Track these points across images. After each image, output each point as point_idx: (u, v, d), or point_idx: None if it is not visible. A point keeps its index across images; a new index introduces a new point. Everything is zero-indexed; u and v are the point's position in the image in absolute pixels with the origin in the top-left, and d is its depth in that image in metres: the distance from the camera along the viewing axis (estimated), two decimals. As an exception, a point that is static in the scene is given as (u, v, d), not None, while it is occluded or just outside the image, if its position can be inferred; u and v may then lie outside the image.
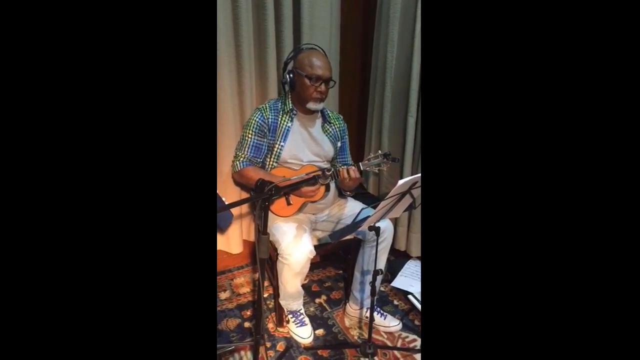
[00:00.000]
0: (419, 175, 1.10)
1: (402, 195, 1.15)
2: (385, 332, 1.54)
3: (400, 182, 1.04)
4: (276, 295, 1.52)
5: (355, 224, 1.32)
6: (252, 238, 1.87)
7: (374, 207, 1.15)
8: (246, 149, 1.44)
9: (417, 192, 1.21)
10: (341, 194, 1.63)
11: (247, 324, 1.58)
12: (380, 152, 1.28)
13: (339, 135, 1.57)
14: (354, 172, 1.29)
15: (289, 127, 1.44)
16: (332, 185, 1.49)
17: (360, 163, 1.30)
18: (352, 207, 1.54)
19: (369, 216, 1.18)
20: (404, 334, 1.53)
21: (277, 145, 1.43)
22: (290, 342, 1.48)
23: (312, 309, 1.68)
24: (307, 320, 1.53)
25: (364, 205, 1.50)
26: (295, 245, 1.33)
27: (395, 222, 1.84)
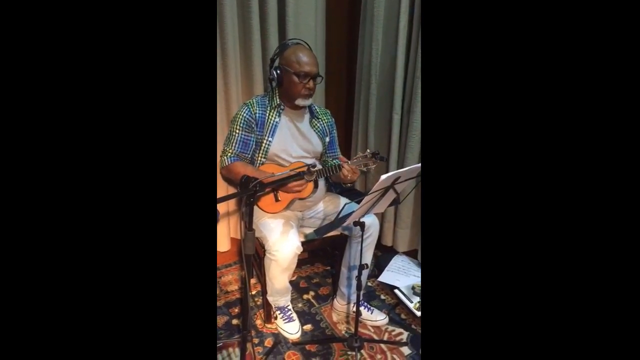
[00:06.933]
0: (402, 170, 1.12)
1: (386, 190, 1.17)
2: (372, 326, 1.56)
3: (383, 177, 1.06)
4: (264, 291, 1.53)
5: (340, 219, 1.34)
6: (239, 236, 1.87)
7: (358, 203, 1.16)
8: (234, 144, 1.44)
9: (400, 187, 1.23)
10: (330, 189, 1.64)
11: (235, 321, 1.58)
12: (368, 151, 1.28)
13: (327, 130, 1.58)
14: (352, 168, 1.29)
15: (276, 122, 1.44)
16: (321, 183, 1.50)
17: (348, 162, 1.31)
18: (344, 204, 1.56)
19: (353, 211, 1.20)
20: (390, 328, 1.56)
21: (265, 141, 1.43)
22: (279, 338, 1.49)
23: (300, 304, 1.69)
24: (294, 316, 1.55)
25: (350, 201, 1.52)
26: (283, 242, 1.34)
27: (382, 217, 1.86)
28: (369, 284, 1.82)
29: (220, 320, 1.58)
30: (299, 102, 1.42)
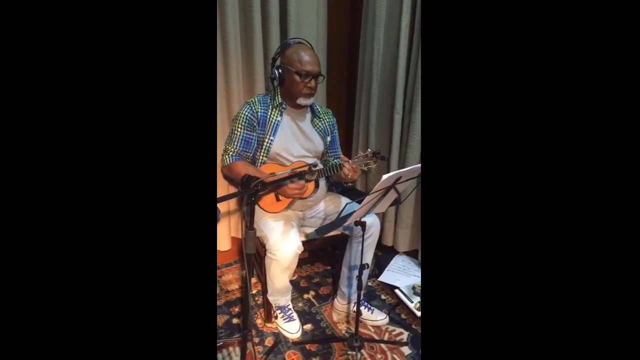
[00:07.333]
0: (403, 170, 1.12)
1: (387, 190, 1.17)
2: (373, 326, 1.56)
3: (385, 177, 1.06)
4: (264, 291, 1.53)
5: (341, 219, 1.34)
6: (240, 235, 1.87)
7: (359, 202, 1.16)
8: (236, 143, 1.44)
9: (402, 187, 1.23)
10: (331, 189, 1.64)
11: (235, 320, 1.58)
12: (369, 150, 1.28)
13: (329, 129, 1.58)
14: (353, 167, 1.29)
15: (278, 121, 1.44)
16: (322, 182, 1.50)
17: (349, 161, 1.31)
18: (345, 203, 1.56)
19: (354, 211, 1.20)
20: (390, 328, 1.56)
21: (266, 140, 1.43)
22: (279, 337, 1.49)
23: (300, 304, 1.69)
24: (295, 315, 1.55)
25: (351, 201, 1.51)
26: (284, 241, 1.34)
27: (383, 217, 1.86)
28: (370, 283, 1.82)
29: (221, 319, 1.59)
30: (301, 101, 1.42)
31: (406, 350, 1.44)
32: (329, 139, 1.58)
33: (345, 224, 1.37)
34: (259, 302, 1.68)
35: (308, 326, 1.56)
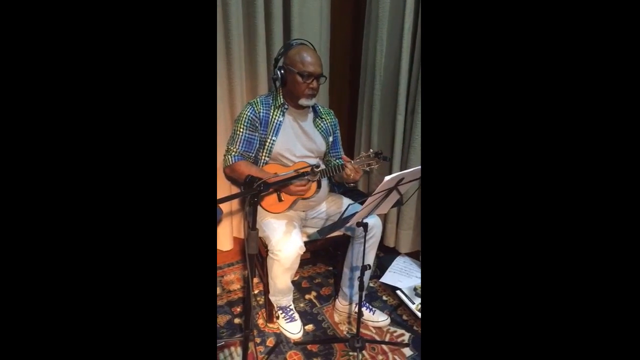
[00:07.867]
0: (405, 171, 1.12)
1: (389, 191, 1.17)
2: (374, 327, 1.56)
3: (387, 178, 1.06)
4: (266, 291, 1.53)
5: (343, 220, 1.34)
6: (242, 235, 1.88)
7: (362, 203, 1.16)
8: (238, 143, 1.45)
9: (404, 189, 1.23)
10: (333, 189, 1.64)
11: (237, 320, 1.58)
12: (371, 150, 1.28)
13: (331, 130, 1.59)
14: (355, 167, 1.29)
15: (280, 121, 1.45)
16: (324, 183, 1.50)
17: (352, 161, 1.31)
18: (347, 204, 1.56)
19: (357, 212, 1.20)
20: (392, 329, 1.56)
21: (269, 140, 1.44)
22: (280, 338, 1.49)
23: (302, 304, 1.70)
24: (296, 315, 1.55)
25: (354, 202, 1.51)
26: (286, 241, 1.34)
27: (385, 218, 1.86)
28: (371, 284, 1.82)
29: (223, 319, 1.59)
30: (303, 102, 1.42)
31: (407, 351, 1.44)
32: (331, 139, 1.59)
33: (348, 224, 1.37)
34: (260, 302, 1.68)
35: (309, 327, 1.57)
